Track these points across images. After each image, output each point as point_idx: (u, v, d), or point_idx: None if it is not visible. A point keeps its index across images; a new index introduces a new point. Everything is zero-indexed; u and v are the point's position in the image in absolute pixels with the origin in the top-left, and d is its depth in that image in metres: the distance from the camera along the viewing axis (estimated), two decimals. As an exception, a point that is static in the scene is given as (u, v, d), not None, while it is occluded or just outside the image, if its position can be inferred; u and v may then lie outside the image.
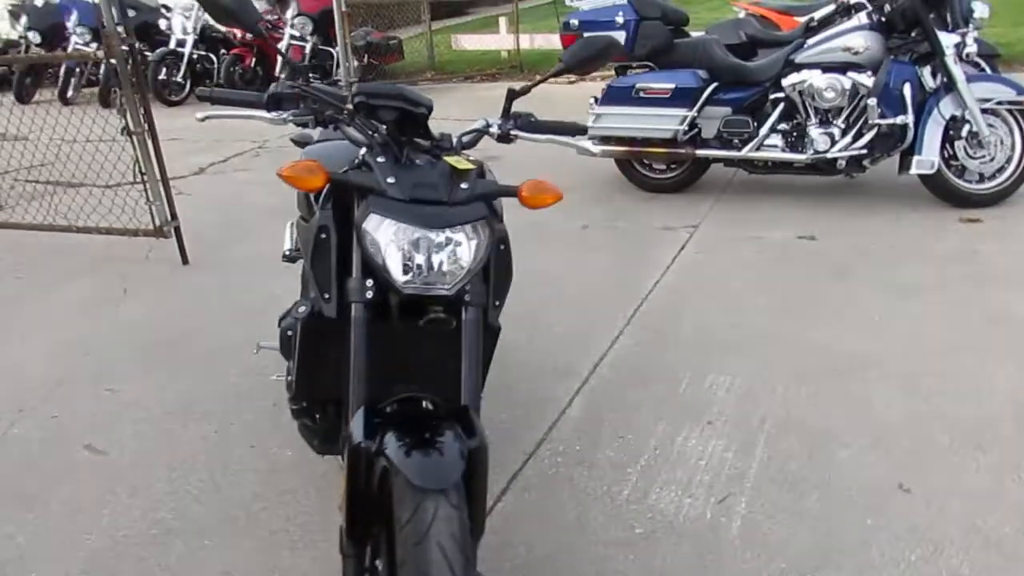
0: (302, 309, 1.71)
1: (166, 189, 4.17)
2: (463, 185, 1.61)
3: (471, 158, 1.72)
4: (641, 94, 4.66)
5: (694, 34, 5.06)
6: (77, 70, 9.51)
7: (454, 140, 1.75)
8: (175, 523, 2.28)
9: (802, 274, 3.75)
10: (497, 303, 1.77)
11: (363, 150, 1.65)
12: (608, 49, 1.87)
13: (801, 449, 2.46)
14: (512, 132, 1.84)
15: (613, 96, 4.75)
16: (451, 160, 1.63)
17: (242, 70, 9.23)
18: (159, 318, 3.67)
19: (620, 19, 4.60)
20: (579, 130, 1.92)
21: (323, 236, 1.66)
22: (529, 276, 3.98)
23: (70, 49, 9.38)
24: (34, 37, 10.34)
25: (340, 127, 1.74)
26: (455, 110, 7.70)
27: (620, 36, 4.65)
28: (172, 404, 2.89)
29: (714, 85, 4.60)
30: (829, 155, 4.48)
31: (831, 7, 4.66)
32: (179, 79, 9.30)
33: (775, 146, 4.62)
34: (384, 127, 1.64)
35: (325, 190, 1.70)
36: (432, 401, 1.67)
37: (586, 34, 4.64)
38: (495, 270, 1.75)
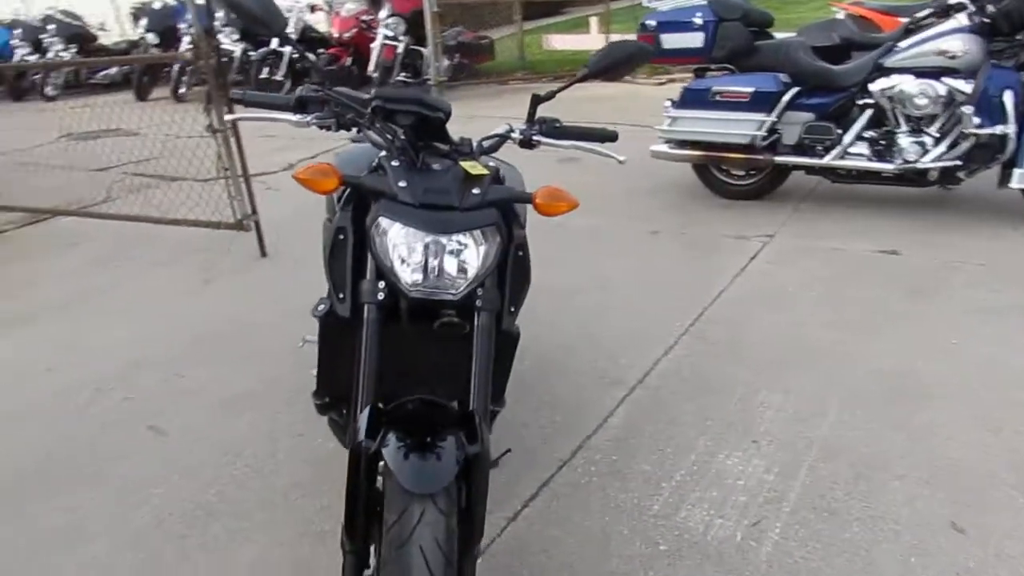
0: (321, 307, 1.76)
1: (247, 185, 4.35)
2: (475, 191, 1.61)
3: (490, 164, 1.72)
4: (718, 97, 4.54)
5: (782, 35, 4.89)
6: (189, 69, 10.03)
7: (474, 145, 1.75)
8: (218, 505, 2.38)
9: (878, 291, 3.56)
10: (513, 309, 1.77)
11: (382, 153, 1.68)
12: (636, 56, 1.83)
13: (848, 476, 2.35)
14: (535, 138, 1.82)
15: (689, 99, 4.65)
16: (466, 165, 1.64)
17: (337, 68, 9.51)
18: (232, 309, 3.84)
19: (698, 20, 4.50)
20: (608, 137, 1.88)
21: (340, 237, 1.70)
22: (588, 281, 3.99)
23: (182, 49, 9.91)
24: (152, 38, 11.01)
25: (363, 131, 1.78)
26: (541, 111, 7.74)
27: (699, 38, 4.56)
28: (232, 392, 3.02)
29: (796, 90, 4.43)
30: (920, 165, 4.24)
31: (929, 8, 4.41)
32: (280, 77, 9.68)
33: (861, 154, 4.41)
34: (401, 131, 1.66)
35: (346, 193, 1.74)
36: (440, 405, 1.68)
37: (661, 36, 4.63)
38: (511, 276, 1.75)
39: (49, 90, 11.87)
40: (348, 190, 1.73)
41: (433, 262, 1.57)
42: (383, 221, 1.58)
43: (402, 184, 1.59)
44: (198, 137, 4.90)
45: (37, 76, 11.97)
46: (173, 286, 4.20)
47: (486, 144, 1.79)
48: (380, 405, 1.67)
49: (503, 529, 2.22)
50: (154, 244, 4.81)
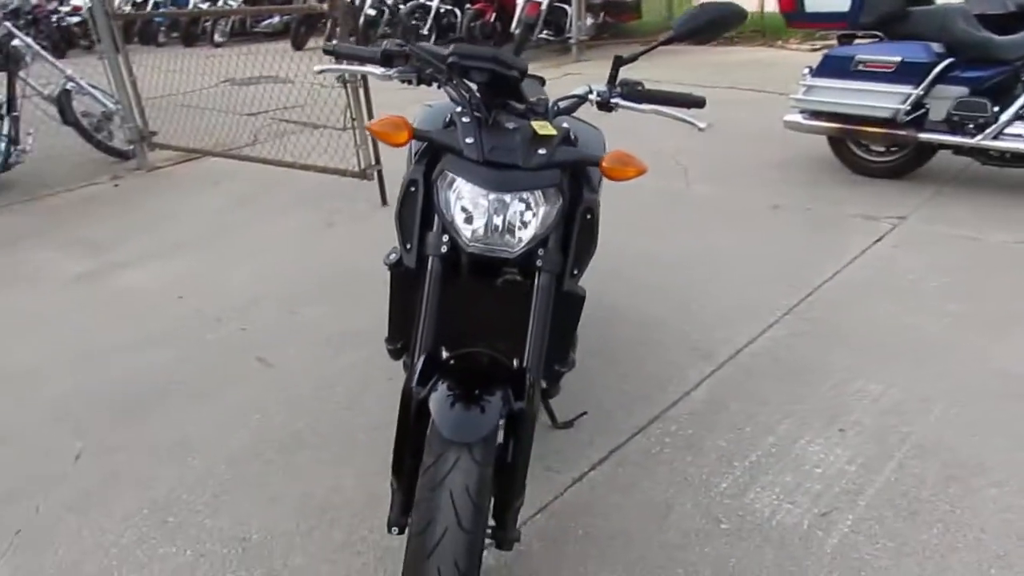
0: (392, 256, 1.83)
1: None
2: (541, 151, 1.62)
3: (563, 125, 1.72)
4: (861, 67, 4.25)
5: (943, 1, 4.50)
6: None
7: (550, 105, 1.75)
8: (306, 435, 2.55)
9: (1014, 284, 3.28)
10: (576, 272, 1.77)
11: (458, 108, 1.71)
12: (727, 18, 1.76)
13: (939, 477, 2.21)
14: (613, 100, 1.79)
15: (829, 67, 4.38)
16: (536, 125, 1.64)
17: (482, 24, 9.59)
18: (350, 253, 4.03)
19: (844, -16, 4.21)
20: (694, 102, 1.81)
21: (412, 189, 1.75)
22: (698, 252, 3.90)
23: (336, 1, 10.27)
24: (309, -12, 11.46)
25: (443, 86, 1.81)
26: (683, 74, 7.52)
27: (845, 1, 4.27)
28: (337, 331, 3.19)
29: (949, 61, 4.07)
30: (1087, 151, 3.83)
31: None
32: (425, 31, 9.88)
33: (1018, 135, 4.02)
34: (476, 88, 1.68)
35: (423, 146, 1.79)
36: (496, 360, 1.72)
37: (804, -1, 4.37)
38: (577, 239, 1.75)
39: (217, 37, 12.68)
40: (425, 144, 1.77)
41: (494, 219, 1.59)
42: (447, 175, 1.62)
43: (469, 140, 1.62)
44: (341, 87, 5.13)
45: (207, 23, 12.80)
46: (299, 228, 4.45)
47: (562, 105, 1.78)
48: (442, 353, 1.73)
49: (567, 488, 2.25)
50: (288, 187, 5.10)
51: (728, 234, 3.96)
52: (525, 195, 1.60)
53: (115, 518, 2.22)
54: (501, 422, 1.52)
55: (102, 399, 2.81)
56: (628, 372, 2.80)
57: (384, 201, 4.67)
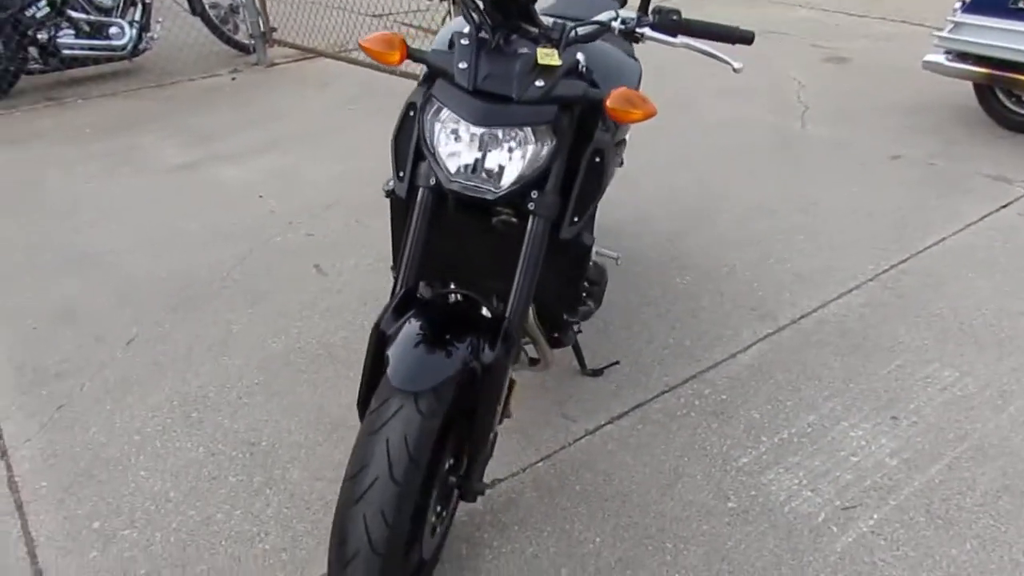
0: (390, 183, 1.74)
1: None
2: (538, 83, 1.46)
3: (578, 55, 1.54)
4: (1022, 4, 3.69)
5: None
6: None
7: (566, 32, 1.57)
8: (338, 350, 2.57)
9: None
10: (576, 219, 1.62)
11: (465, 28, 1.56)
12: None
13: (992, 487, 1.97)
14: (639, 30, 1.60)
15: (983, 3, 3.82)
16: (541, 52, 1.48)
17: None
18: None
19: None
20: (740, 37, 1.58)
21: (410, 114, 1.64)
22: (792, 201, 3.59)
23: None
24: None
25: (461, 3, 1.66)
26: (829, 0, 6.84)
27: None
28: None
29: None
30: None
31: None
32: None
33: None
34: (481, 5, 1.53)
35: (428, 69, 1.67)
36: (476, 304, 1.63)
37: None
38: (580, 183, 1.60)
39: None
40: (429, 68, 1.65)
41: (475, 155, 1.47)
42: (434, 103, 1.50)
43: (462, 65, 1.48)
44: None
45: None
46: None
47: (580, 31, 1.59)
48: (426, 289, 1.66)
49: (576, 439, 2.17)
50: (389, 94, 5.07)
51: (833, 183, 3.62)
52: (513, 131, 1.46)
53: (146, 406, 2.34)
54: (474, 368, 1.44)
55: (164, 288, 2.94)
56: (677, 324, 2.64)
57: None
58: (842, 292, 2.78)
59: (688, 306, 2.75)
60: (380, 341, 1.51)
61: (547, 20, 1.57)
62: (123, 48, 5.46)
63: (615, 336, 2.59)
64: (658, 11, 1.61)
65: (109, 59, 5.53)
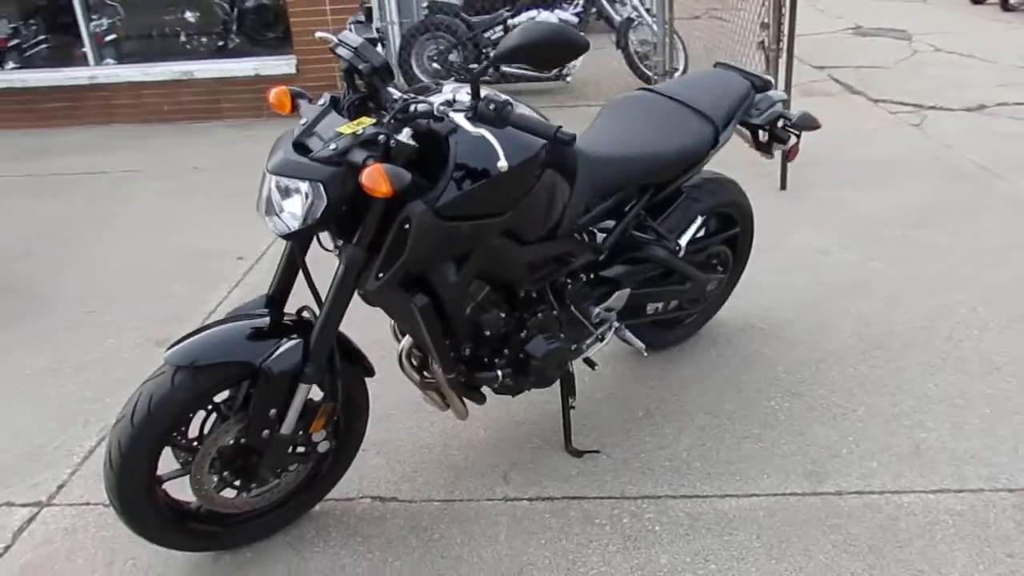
0: None
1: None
2: (333, 145, 1.60)
3: (406, 130, 1.63)
4: None
5: None
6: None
7: (406, 108, 1.63)
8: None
9: None
10: (381, 275, 1.71)
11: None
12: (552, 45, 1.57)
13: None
14: (450, 116, 1.61)
15: None
16: (350, 124, 1.62)
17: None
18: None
19: None
20: (558, 138, 1.63)
21: None
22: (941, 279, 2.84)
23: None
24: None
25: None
26: None
27: None
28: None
29: None
30: None
31: None
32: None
33: None
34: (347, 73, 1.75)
35: None
36: (314, 314, 1.83)
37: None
38: (388, 243, 1.69)
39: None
40: None
41: (266, 194, 1.67)
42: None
43: (303, 120, 1.70)
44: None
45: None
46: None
47: (411, 109, 1.63)
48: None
49: (476, 500, 2.13)
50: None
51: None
52: (285, 181, 1.62)
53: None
54: (264, 369, 1.69)
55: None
56: (710, 443, 2.29)
57: (783, 185, 4.20)
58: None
59: (745, 430, 2.34)
60: (225, 320, 1.82)
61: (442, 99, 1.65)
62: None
63: (639, 428, 2.38)
64: (490, 99, 1.59)
65: (540, 78, 6.52)
